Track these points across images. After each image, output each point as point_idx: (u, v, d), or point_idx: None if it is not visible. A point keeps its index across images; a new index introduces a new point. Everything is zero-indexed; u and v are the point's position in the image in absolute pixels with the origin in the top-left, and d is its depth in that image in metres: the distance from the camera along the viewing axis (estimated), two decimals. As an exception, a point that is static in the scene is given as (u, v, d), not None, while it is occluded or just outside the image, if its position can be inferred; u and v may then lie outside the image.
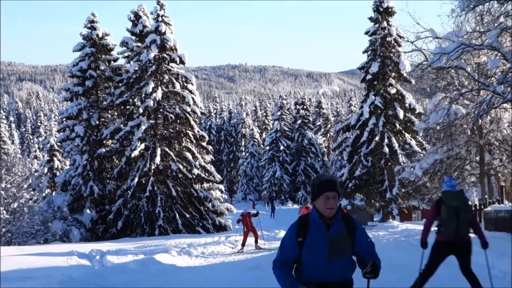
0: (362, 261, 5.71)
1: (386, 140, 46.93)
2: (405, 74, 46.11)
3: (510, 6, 19.70)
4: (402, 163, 43.77)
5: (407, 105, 47.36)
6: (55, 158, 57.69)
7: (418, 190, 39.38)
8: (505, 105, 23.45)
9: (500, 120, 30.79)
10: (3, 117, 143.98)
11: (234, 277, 15.06)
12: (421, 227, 29.20)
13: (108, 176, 48.38)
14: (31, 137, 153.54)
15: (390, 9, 47.73)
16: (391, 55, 47.56)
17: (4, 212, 47.12)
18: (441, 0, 22.83)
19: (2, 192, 48.06)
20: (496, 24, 19.98)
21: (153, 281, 14.57)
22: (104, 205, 47.37)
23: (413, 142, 46.36)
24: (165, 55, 46.11)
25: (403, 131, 47.64)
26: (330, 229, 5.51)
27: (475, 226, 11.50)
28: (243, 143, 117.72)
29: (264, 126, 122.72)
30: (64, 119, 49.77)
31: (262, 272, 14.95)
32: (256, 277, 14.70)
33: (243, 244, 24.15)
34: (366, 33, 48.41)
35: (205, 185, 47.35)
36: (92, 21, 48.78)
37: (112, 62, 49.41)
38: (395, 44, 47.32)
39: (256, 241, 24.38)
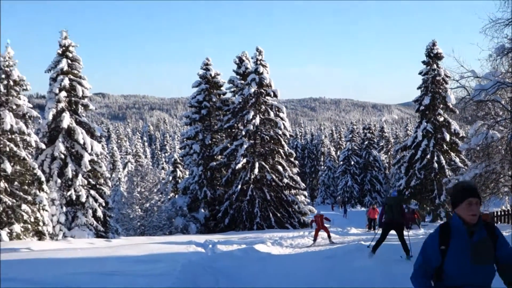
0: (502, 268, 4.83)
1: (435, 158, 46.50)
2: (451, 106, 45.58)
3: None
4: (448, 176, 43.25)
5: (452, 130, 46.78)
6: (177, 169, 58.36)
7: (461, 197, 38.62)
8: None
9: None
10: (139, 137, 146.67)
11: (315, 263, 15.03)
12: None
13: (218, 183, 48.82)
14: (159, 152, 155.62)
15: (439, 54, 47.26)
16: (440, 90, 47.08)
17: (139, 210, 47.98)
18: (480, 47, 22.57)
19: (138, 194, 48.96)
20: (526, 66, 19.66)
21: (253, 265, 14.61)
22: (214, 205, 47.81)
23: (457, 160, 45.73)
24: (262, 90, 46.45)
25: (449, 151, 47.01)
26: (473, 236, 4.73)
27: (403, 215, 16.22)
28: (322, 159, 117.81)
29: (338, 146, 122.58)
30: (184, 139, 50.62)
31: (336, 260, 14.87)
32: (331, 263, 14.65)
33: (314, 239, 23.98)
34: (420, 73, 48.02)
35: (292, 191, 47.40)
36: (207, 64, 49.53)
37: (221, 95, 50.06)
38: (443, 82, 46.84)
39: (329, 237, 24.16)
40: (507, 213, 29.20)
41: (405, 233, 15.94)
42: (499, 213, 29.92)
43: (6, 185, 30.48)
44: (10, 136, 31.01)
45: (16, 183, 30.94)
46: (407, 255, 15.04)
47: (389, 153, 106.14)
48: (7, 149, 30.46)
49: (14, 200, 29.81)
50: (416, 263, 4.94)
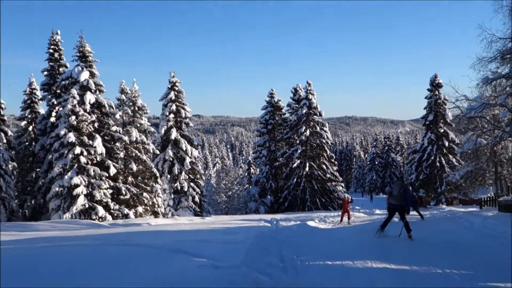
0: None
1: (437, 159, 45.62)
2: (448, 121, 44.77)
3: (513, 81, 18.84)
4: (447, 172, 42.54)
5: (450, 138, 45.76)
6: (251, 168, 58.60)
7: (457, 187, 38.08)
8: (510, 138, 22.35)
9: (507, 147, 29.68)
10: (224, 145, 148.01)
11: (349, 234, 14.86)
12: (458, 209, 27.48)
13: (280, 177, 48.71)
14: (238, 156, 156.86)
15: (439, 83, 46.34)
16: (440, 110, 46.17)
17: (224, 196, 48.28)
18: (470, 78, 22.12)
19: (223, 186, 49.33)
20: (504, 92, 19.16)
21: (305, 235, 14.52)
22: (277, 193, 47.72)
23: (454, 160, 44.68)
24: (311, 111, 46.23)
25: (448, 154, 45.97)
26: None
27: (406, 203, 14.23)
28: (354, 160, 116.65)
29: (366, 150, 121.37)
30: (256, 146, 50.78)
31: (366, 235, 14.63)
32: (361, 234, 14.47)
33: (341, 220, 22.98)
34: (426, 97, 47.08)
35: (333, 183, 46.94)
36: (271, 93, 49.62)
37: (282, 115, 49.96)
38: (443, 103, 45.92)
39: (348, 218, 23.04)
40: (491, 198, 28.64)
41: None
42: (486, 199, 29.26)
43: (133, 179, 31.16)
44: (135, 145, 31.71)
45: (139, 178, 31.60)
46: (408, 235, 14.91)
47: (403, 156, 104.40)
48: (133, 154, 31.14)
49: (138, 190, 30.42)
50: None
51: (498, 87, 20.00)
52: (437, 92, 46.96)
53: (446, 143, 46.15)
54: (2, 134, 32.69)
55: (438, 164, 45.88)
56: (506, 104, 19.43)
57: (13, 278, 6.93)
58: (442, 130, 46.57)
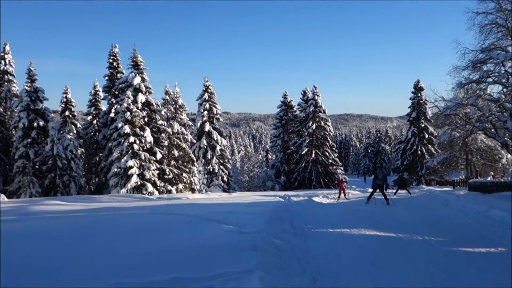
0: None
1: (419, 148, 45.29)
2: (428, 118, 44.31)
3: (482, 85, 18.55)
4: (427, 158, 42.20)
5: (429, 131, 45.35)
6: (268, 154, 58.61)
7: (435, 171, 37.81)
8: (479, 132, 22.08)
9: (476, 139, 29.34)
10: (247, 136, 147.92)
11: (347, 207, 14.83)
12: (436, 189, 27.12)
13: (291, 162, 48.62)
14: (258, 145, 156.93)
15: (421, 87, 45.91)
16: (422, 108, 45.71)
17: (247, 176, 48.34)
18: (447, 83, 21.76)
19: (246, 168, 49.40)
20: (475, 94, 18.92)
21: (311, 209, 14.51)
22: (289, 175, 47.66)
23: (432, 149, 44.30)
24: (316, 109, 45.95)
25: (427, 144, 45.55)
26: None
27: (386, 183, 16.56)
28: (351, 149, 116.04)
29: (361, 141, 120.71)
30: (273, 137, 50.63)
31: (360, 206, 14.58)
32: (357, 207, 14.44)
33: (339, 197, 22.67)
34: (410, 98, 46.70)
35: (334, 167, 46.74)
36: (285, 94, 49.42)
37: (293, 112, 49.75)
38: (424, 103, 45.45)
39: (345, 195, 22.71)
40: (463, 180, 28.48)
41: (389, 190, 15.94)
42: (458, 181, 29.08)
43: (175, 163, 31.44)
44: (177, 136, 31.95)
45: (180, 161, 31.87)
46: (386, 202, 15.90)
47: (391, 145, 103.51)
48: (175, 143, 31.40)
49: (179, 171, 30.70)
50: None
51: (470, 90, 19.74)
52: (419, 94, 46.57)
53: (426, 136, 45.85)
54: (73, 126, 33.31)
55: (419, 152, 45.61)
56: (476, 104, 19.20)
57: (88, 238, 7.15)
58: (423, 125, 46.20)
